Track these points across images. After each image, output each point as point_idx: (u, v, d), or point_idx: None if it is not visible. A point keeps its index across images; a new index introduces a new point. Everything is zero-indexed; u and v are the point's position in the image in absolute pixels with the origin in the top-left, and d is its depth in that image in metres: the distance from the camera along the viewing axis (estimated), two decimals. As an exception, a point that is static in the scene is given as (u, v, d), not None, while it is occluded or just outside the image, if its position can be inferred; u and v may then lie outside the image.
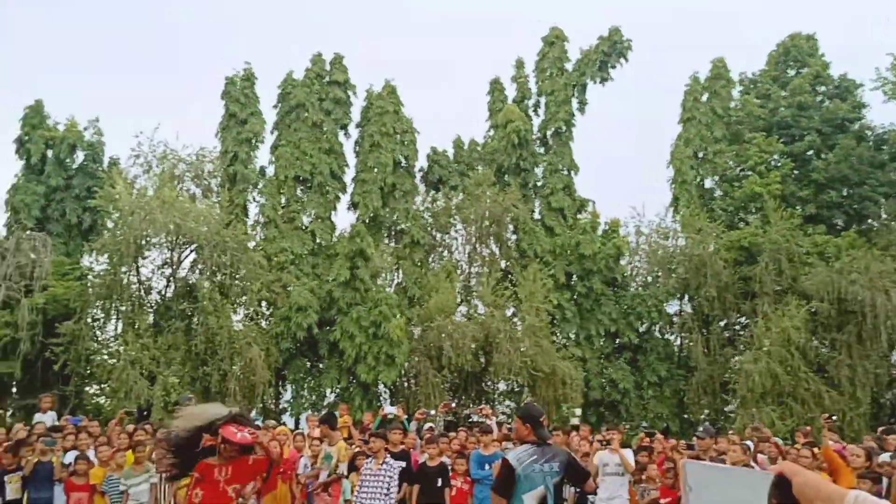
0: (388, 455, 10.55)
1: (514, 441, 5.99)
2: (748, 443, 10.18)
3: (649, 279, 26.39)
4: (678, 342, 26.06)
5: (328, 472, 10.60)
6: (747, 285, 24.20)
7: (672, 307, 25.96)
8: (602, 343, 24.73)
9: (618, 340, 24.86)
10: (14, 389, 21.90)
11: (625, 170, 48.59)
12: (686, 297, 25.75)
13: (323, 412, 13.32)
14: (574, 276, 25.15)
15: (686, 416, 24.73)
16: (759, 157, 26.46)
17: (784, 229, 23.52)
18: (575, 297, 24.81)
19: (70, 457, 10.93)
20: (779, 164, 26.91)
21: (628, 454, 10.89)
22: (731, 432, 13.89)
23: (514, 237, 25.34)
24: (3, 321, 20.05)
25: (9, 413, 21.48)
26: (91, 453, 11.05)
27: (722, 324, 25.33)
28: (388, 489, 10.20)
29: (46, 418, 13.08)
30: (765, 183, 25.64)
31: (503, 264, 25.28)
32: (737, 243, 24.48)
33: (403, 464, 10.88)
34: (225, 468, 6.57)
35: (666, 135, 31.19)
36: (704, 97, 28.03)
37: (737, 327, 25.59)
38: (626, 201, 43.65)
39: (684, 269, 24.83)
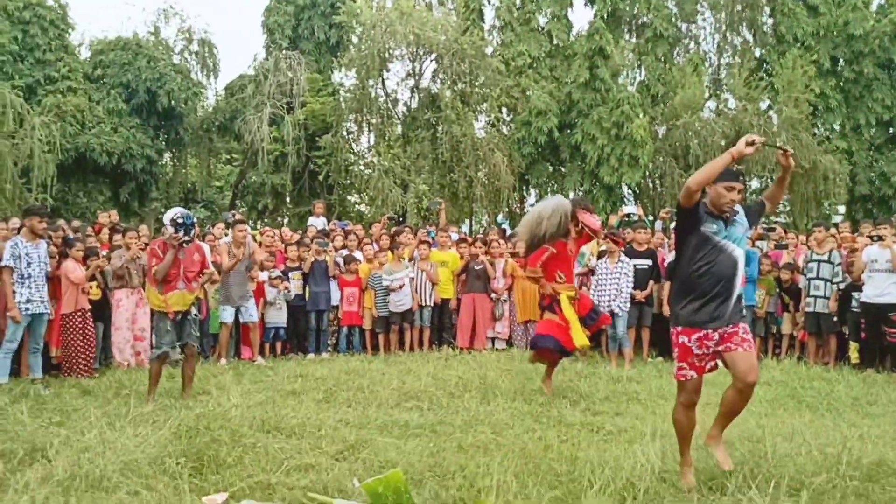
0: (624, 254, 10.62)
1: None
2: None
3: (935, 57, 23.09)
4: (967, 129, 22.97)
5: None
6: None
7: (961, 89, 22.67)
8: (872, 133, 22.34)
9: (891, 130, 22.34)
10: (287, 199, 24.29)
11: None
12: (981, 77, 22.33)
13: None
14: (841, 61, 22.49)
15: (971, 211, 22.19)
16: None
17: None
18: (841, 83, 22.34)
19: (340, 257, 12.08)
20: None
21: (904, 251, 10.02)
22: None
23: (770, 21, 22.93)
24: (272, 137, 21.96)
25: (284, 220, 24.00)
26: (358, 254, 12.13)
27: None
28: (621, 288, 10.38)
29: (318, 223, 14.46)
30: None
31: (757, 52, 23.16)
32: None
33: (649, 262, 10.90)
34: (573, 244, 8.22)
35: None
36: None
37: None
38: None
39: (982, 42, 21.40)
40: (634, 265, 10.70)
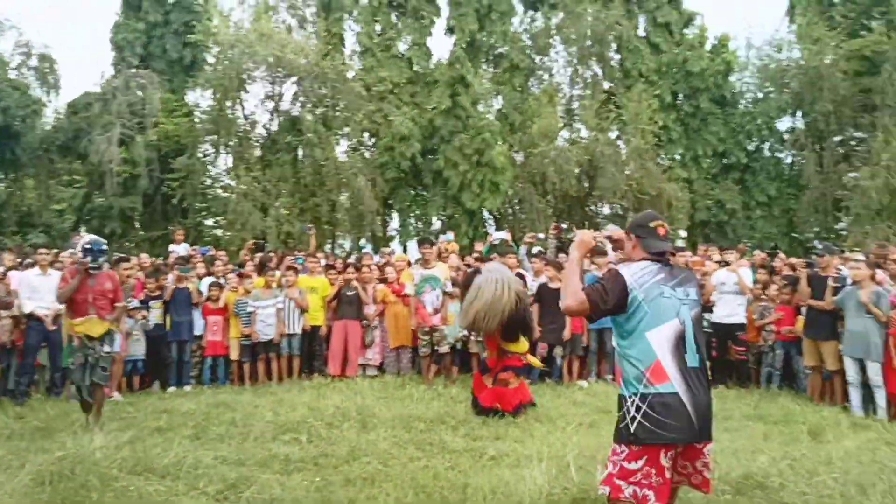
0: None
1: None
2: (860, 256, 9.92)
3: (760, 95, 25.11)
4: (789, 160, 25.05)
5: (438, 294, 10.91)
6: (867, 98, 22.72)
7: (784, 124, 24.79)
8: (709, 163, 23.96)
9: (725, 160, 24.06)
10: (137, 224, 23.11)
11: (737, -22, 45.24)
12: (799, 113, 24.46)
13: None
14: (680, 96, 24.11)
15: (795, 235, 24.18)
16: (888, -46, 24.14)
17: (913, 34, 21.74)
18: (681, 116, 23.89)
19: (204, 284, 11.60)
20: (911, -38, 24.47)
21: (747, 274, 10.80)
22: (851, 249, 13.57)
23: (617, 56, 24.25)
24: (122, 158, 20.88)
25: (133, 245, 22.81)
26: (222, 280, 11.69)
27: (837, 139, 24.08)
28: None
29: (180, 249, 13.83)
30: (893, -16, 23.50)
31: (606, 85, 24.39)
32: (858, 52, 22.75)
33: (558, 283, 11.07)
34: None
35: (783, -64, 28.38)
36: None
37: (853, 142, 24.31)
38: (738, 13, 40.88)
39: (798, 83, 23.43)
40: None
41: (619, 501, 3.52)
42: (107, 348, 7.84)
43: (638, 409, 3.51)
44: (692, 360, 3.60)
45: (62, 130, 23.17)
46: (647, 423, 3.48)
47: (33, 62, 23.41)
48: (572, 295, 3.66)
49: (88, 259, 7.75)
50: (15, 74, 22.80)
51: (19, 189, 24.83)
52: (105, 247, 8.05)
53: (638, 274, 3.69)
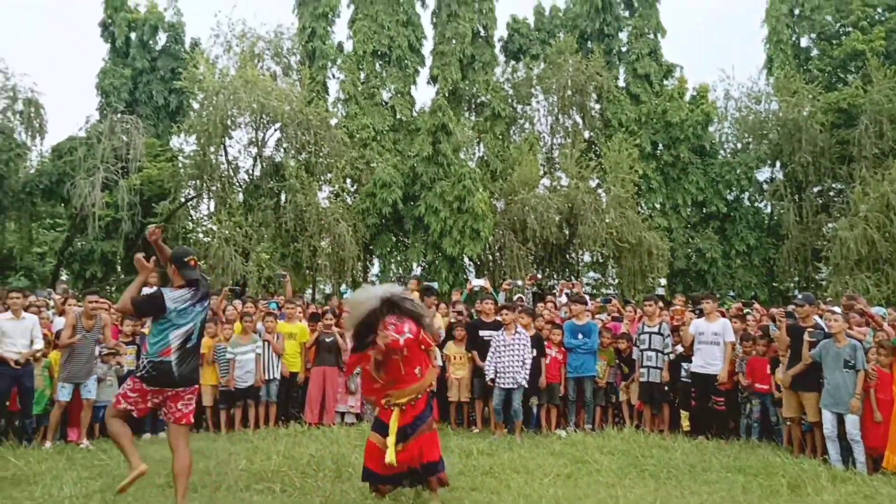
0: (519, 325, 10.60)
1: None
2: (836, 309, 9.91)
3: (739, 146, 25.54)
4: (768, 210, 25.39)
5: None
6: (844, 149, 23.20)
7: (762, 174, 25.20)
8: (689, 213, 24.25)
9: (705, 210, 24.37)
10: (118, 268, 22.99)
11: (715, 31, 46.19)
12: (778, 164, 24.89)
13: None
14: (660, 145, 24.48)
15: (775, 284, 24.38)
16: (861, 11, 24.82)
17: (887, 88, 22.22)
18: (661, 166, 24.22)
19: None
20: (883, 19, 25.15)
21: (728, 327, 10.57)
22: (828, 300, 13.66)
23: (597, 106, 24.66)
24: (104, 202, 20.86)
25: (113, 289, 22.65)
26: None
27: (816, 190, 24.48)
28: (524, 358, 10.32)
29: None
30: (867, 39, 24.12)
31: (587, 135, 24.75)
32: (835, 105, 23.29)
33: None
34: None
35: (759, -9, 29.18)
36: (803, -51, 26.12)
37: (831, 193, 24.73)
38: (716, 65, 41.67)
39: (777, 134, 23.92)
40: (483, 336, 10.85)
41: (117, 408, 5.82)
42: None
43: (146, 366, 5.77)
44: (191, 344, 5.82)
45: (46, 174, 23.12)
46: (147, 375, 5.75)
47: (19, 106, 23.47)
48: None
49: None
50: (0, 119, 22.83)
51: (0, 232, 24.69)
52: None
53: (175, 299, 5.73)
